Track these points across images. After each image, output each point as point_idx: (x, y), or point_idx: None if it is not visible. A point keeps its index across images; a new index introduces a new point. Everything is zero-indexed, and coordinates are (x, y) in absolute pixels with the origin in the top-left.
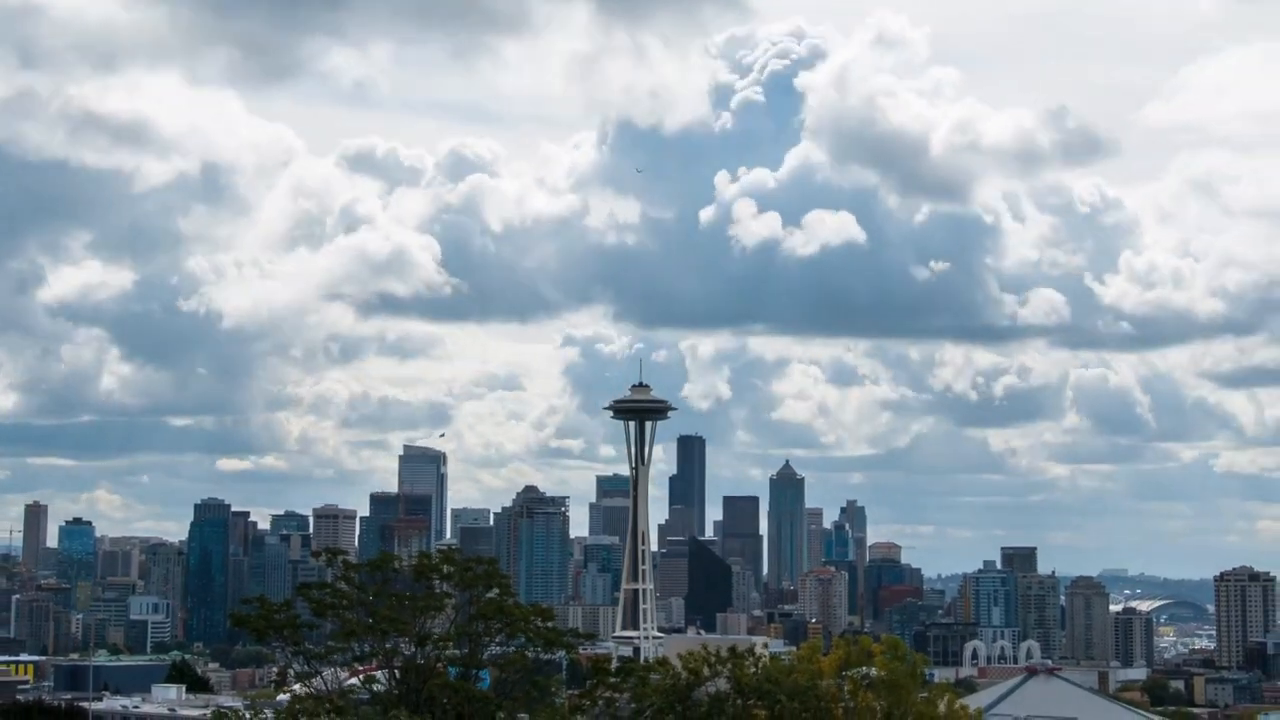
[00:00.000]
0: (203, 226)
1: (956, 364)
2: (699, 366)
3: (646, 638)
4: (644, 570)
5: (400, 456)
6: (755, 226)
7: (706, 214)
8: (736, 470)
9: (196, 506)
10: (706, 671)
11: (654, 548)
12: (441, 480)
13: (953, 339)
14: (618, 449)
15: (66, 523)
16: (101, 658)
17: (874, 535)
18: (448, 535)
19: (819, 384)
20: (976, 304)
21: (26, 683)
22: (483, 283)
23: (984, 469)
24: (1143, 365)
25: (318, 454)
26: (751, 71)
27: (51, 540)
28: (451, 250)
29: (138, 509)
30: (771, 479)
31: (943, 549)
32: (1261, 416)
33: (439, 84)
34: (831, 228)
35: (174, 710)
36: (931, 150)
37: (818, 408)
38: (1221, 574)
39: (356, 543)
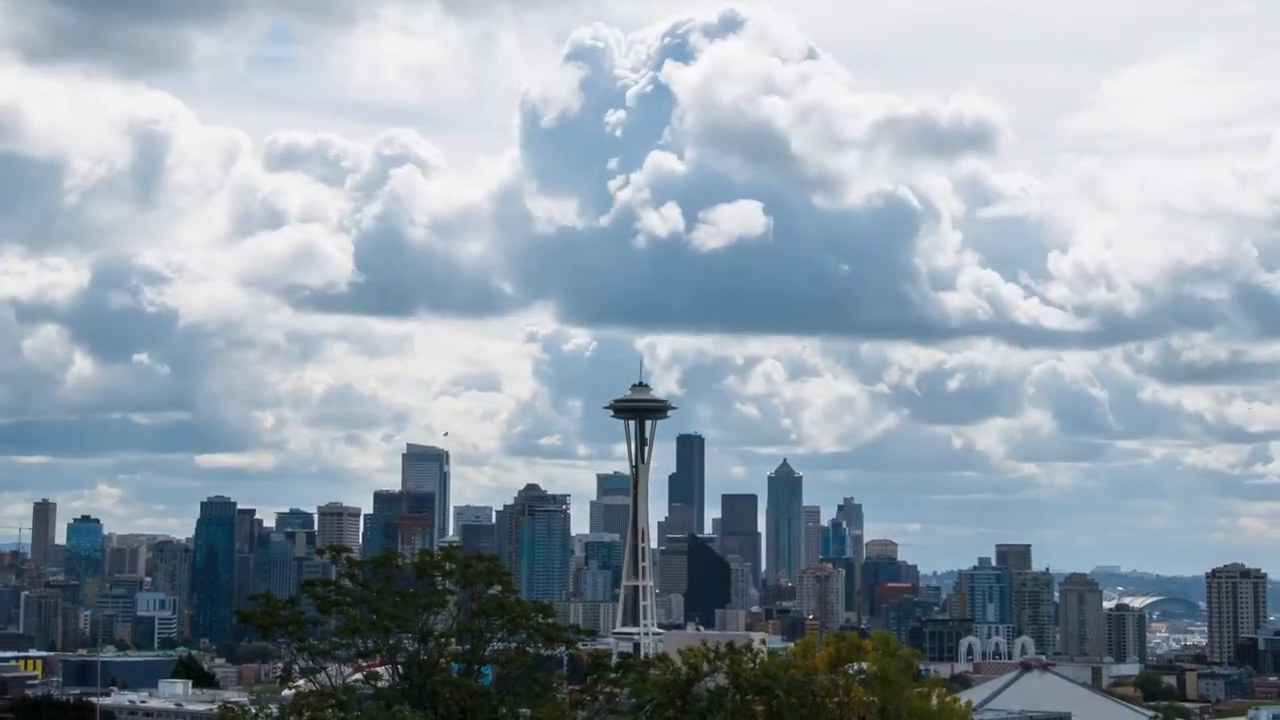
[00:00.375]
0: (132, 220)
1: (906, 362)
2: (658, 365)
3: (646, 634)
4: (644, 567)
5: (403, 455)
6: (659, 222)
7: (626, 213)
8: (712, 469)
9: (203, 504)
10: (705, 667)
11: (654, 545)
12: (444, 478)
13: (899, 337)
14: (594, 446)
15: (75, 520)
16: (109, 653)
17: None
18: (450, 533)
19: (780, 382)
20: (916, 301)
21: (35, 678)
22: (436, 280)
23: (958, 466)
24: (1085, 363)
25: (294, 451)
26: (644, 68)
27: (60, 538)
28: (392, 247)
29: (134, 506)
30: (769, 477)
31: (930, 546)
32: (1222, 413)
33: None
34: (740, 223)
35: (180, 705)
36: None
37: (784, 406)
38: (1213, 571)
39: (360, 540)
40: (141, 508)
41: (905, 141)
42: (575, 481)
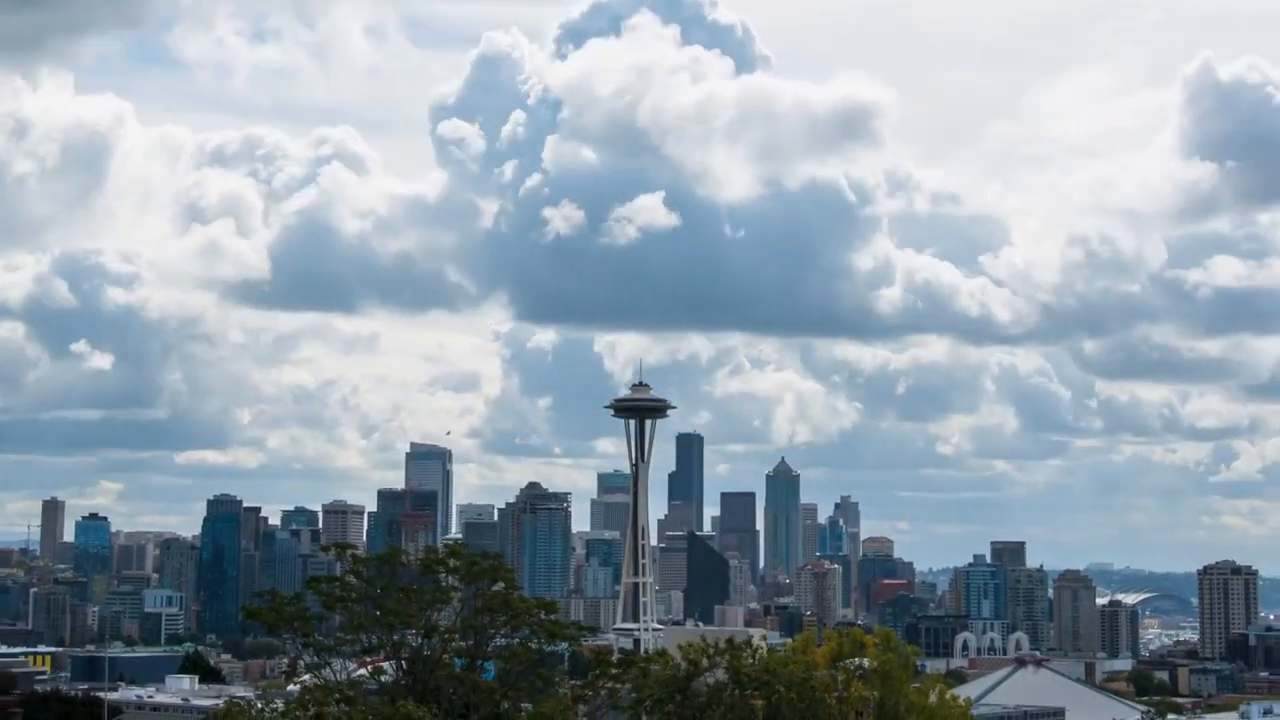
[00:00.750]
0: (74, 216)
1: (862, 359)
2: (616, 364)
3: (647, 630)
4: (644, 564)
5: (407, 453)
6: (578, 219)
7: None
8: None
9: (209, 502)
10: (705, 663)
11: (654, 542)
12: (447, 477)
13: (849, 334)
14: (569, 443)
15: (83, 518)
16: (117, 649)
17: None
18: (453, 530)
19: (744, 379)
20: (862, 298)
21: (44, 673)
22: (393, 278)
23: (931, 465)
24: (1032, 360)
25: (273, 449)
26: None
27: (68, 535)
28: (339, 245)
29: (129, 504)
30: (767, 476)
31: (915, 544)
32: (1180, 410)
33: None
34: (653, 216)
35: (187, 700)
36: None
37: (754, 405)
38: (1205, 568)
39: (364, 537)
40: (136, 505)
41: (828, 138)
42: (552, 477)
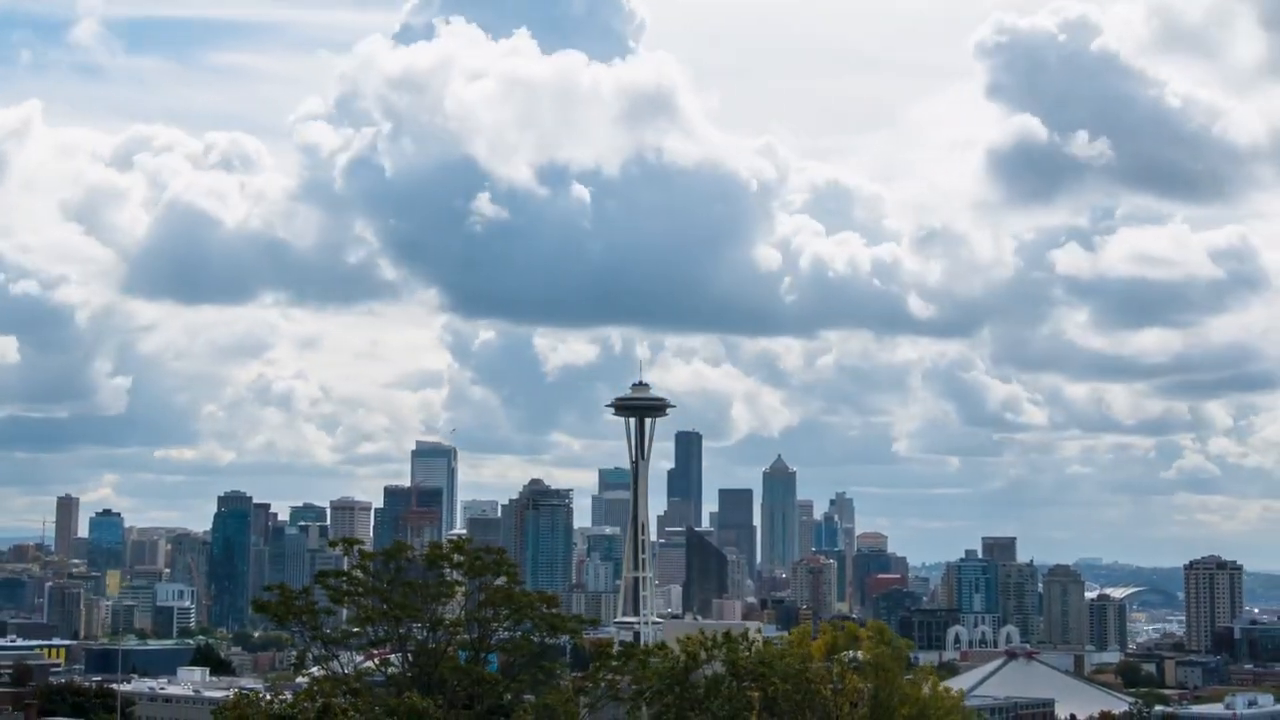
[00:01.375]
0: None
1: (781, 352)
2: (552, 365)
3: (646, 623)
4: (644, 559)
5: (412, 451)
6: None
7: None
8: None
9: (220, 498)
10: (703, 655)
11: (653, 538)
12: (452, 474)
13: (762, 330)
14: (531, 439)
15: (96, 514)
16: (130, 642)
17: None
18: (458, 526)
19: (683, 375)
20: (778, 294)
21: (59, 666)
22: (334, 273)
23: (881, 460)
24: (948, 355)
25: (249, 446)
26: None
27: (82, 530)
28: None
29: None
30: (764, 473)
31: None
32: (1120, 406)
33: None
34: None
35: (198, 691)
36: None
37: (698, 400)
38: (1191, 563)
39: (371, 533)
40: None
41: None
42: (531, 471)
